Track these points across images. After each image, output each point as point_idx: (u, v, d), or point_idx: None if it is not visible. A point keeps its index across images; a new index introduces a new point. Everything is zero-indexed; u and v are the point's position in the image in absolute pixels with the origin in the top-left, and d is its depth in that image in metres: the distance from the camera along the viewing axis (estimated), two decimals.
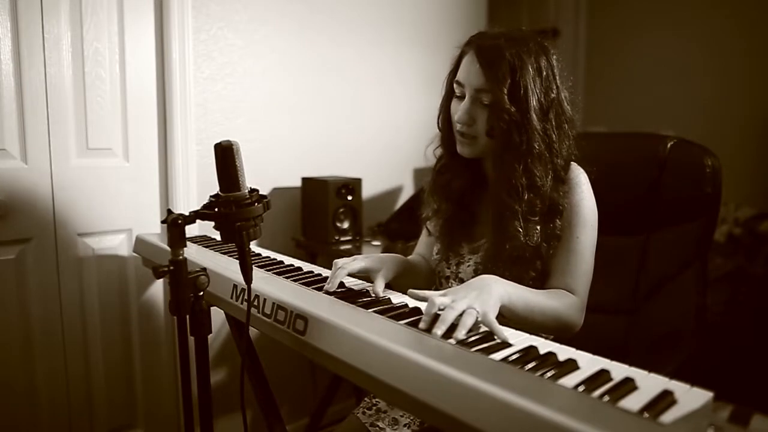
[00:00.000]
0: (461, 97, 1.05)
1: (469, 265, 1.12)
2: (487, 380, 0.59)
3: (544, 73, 1.01)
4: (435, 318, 0.79)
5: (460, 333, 0.74)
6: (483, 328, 0.79)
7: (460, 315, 0.78)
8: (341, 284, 1.01)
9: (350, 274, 1.02)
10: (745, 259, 2.31)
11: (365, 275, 1.04)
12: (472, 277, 1.09)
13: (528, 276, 1.02)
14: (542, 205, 1.01)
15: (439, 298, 0.81)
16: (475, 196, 1.17)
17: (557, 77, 1.04)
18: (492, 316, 0.80)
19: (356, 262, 1.02)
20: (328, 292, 0.97)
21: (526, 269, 1.02)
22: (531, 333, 0.80)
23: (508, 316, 0.89)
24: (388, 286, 1.04)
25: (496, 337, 0.76)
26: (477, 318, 0.78)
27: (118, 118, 1.69)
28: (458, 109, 1.05)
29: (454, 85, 1.07)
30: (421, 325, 0.79)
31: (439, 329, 0.75)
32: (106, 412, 1.72)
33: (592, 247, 1.05)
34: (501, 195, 1.02)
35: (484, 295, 0.83)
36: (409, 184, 2.47)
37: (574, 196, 1.05)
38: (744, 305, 2.16)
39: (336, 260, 1.04)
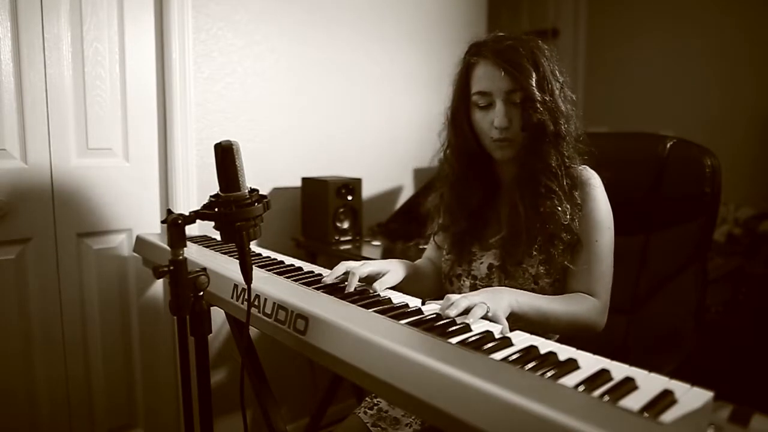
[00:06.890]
0: (486, 107, 1.07)
1: (482, 262, 1.13)
2: (487, 380, 0.59)
3: (550, 62, 1.07)
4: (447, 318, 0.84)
5: (470, 319, 0.81)
6: (484, 327, 0.80)
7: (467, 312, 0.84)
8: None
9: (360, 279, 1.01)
10: (745, 259, 2.31)
11: (374, 280, 1.03)
12: (486, 273, 1.11)
13: (557, 250, 1.04)
14: (570, 182, 1.07)
15: (454, 295, 0.88)
16: (487, 203, 1.17)
17: (557, 63, 1.10)
18: (501, 315, 0.86)
19: (366, 267, 1.02)
20: (344, 295, 0.96)
21: (554, 244, 1.05)
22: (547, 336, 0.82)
23: (521, 322, 0.93)
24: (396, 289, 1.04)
25: (496, 336, 0.77)
26: (487, 313, 0.85)
27: (118, 118, 1.69)
28: (493, 117, 1.05)
29: (476, 97, 1.08)
30: (438, 310, 0.86)
31: (452, 311, 0.83)
32: (106, 412, 1.72)
33: (611, 248, 1.08)
34: (538, 180, 1.05)
35: (496, 298, 0.90)
36: (409, 184, 2.47)
37: (590, 200, 1.07)
38: (744, 305, 2.16)
39: (343, 262, 1.04)
